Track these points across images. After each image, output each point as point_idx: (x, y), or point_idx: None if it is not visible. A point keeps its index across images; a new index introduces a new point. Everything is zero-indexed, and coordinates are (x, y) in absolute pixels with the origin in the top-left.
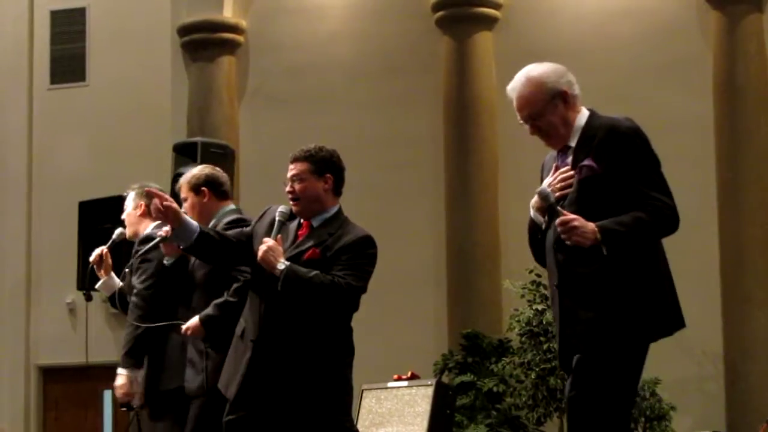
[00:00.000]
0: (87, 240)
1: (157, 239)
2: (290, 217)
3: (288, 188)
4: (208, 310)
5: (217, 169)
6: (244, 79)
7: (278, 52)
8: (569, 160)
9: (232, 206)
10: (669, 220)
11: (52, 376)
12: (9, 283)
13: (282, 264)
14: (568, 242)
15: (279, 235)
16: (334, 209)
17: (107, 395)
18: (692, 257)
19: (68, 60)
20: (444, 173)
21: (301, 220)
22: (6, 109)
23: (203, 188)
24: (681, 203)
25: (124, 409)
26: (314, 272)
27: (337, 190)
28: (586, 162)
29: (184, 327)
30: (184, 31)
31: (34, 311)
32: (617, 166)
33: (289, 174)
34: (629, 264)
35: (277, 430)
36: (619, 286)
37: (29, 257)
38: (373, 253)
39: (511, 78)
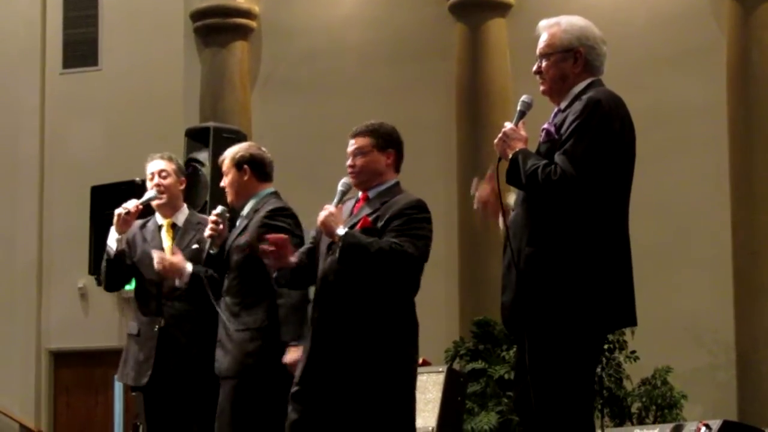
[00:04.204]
0: (99, 225)
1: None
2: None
3: (349, 162)
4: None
5: (263, 149)
6: (257, 64)
7: (291, 38)
8: (554, 121)
9: (271, 189)
10: (552, 185)
11: (63, 360)
12: (21, 268)
13: (342, 229)
14: (495, 145)
15: (340, 205)
16: (392, 182)
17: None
18: (704, 246)
19: (81, 44)
20: (456, 159)
21: (359, 194)
22: (18, 93)
23: (245, 166)
24: (694, 191)
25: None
26: (373, 238)
27: (397, 165)
28: (546, 125)
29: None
30: (197, 16)
31: (46, 296)
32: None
33: (351, 148)
34: (588, 250)
35: (340, 407)
36: (575, 271)
37: (41, 242)
38: (425, 218)
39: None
